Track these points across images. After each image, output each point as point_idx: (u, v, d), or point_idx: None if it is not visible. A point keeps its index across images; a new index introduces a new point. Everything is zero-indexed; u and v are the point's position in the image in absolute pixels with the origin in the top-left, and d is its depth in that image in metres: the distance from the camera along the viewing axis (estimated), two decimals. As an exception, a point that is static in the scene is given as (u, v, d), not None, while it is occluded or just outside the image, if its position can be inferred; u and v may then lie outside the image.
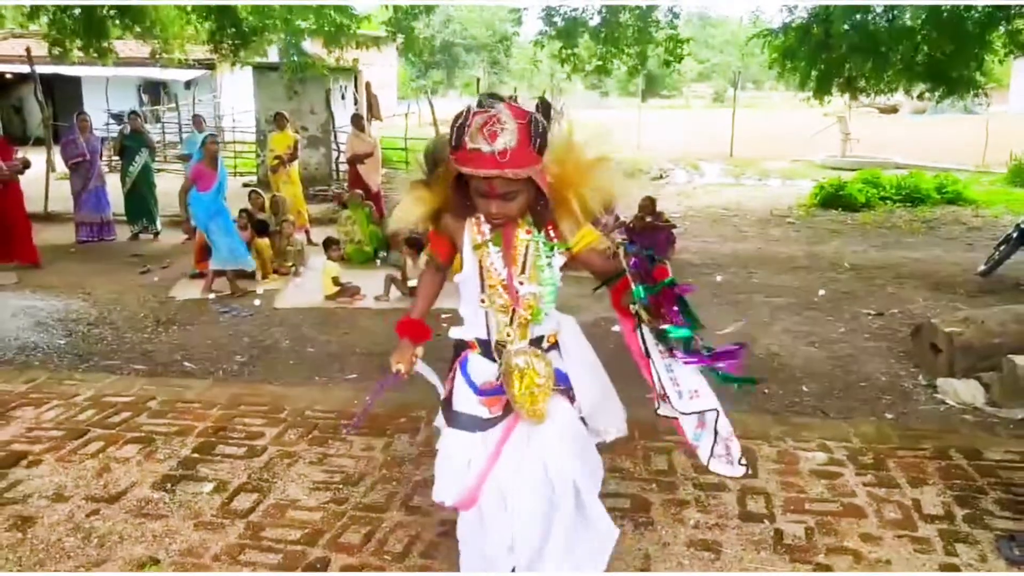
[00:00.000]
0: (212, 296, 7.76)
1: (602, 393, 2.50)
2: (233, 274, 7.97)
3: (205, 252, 8.41)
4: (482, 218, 2.28)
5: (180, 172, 12.00)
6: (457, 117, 2.14)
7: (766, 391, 5.17)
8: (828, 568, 2.58)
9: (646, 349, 2.20)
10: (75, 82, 22.34)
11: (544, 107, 2.19)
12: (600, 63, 13.47)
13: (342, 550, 2.75)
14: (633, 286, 2.12)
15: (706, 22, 64.51)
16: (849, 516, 2.88)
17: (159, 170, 12.60)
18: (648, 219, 9.46)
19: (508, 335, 2.34)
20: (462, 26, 51.54)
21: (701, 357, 2.12)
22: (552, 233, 2.29)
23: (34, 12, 12.28)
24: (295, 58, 13.73)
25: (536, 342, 2.38)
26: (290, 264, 8.81)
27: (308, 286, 8.10)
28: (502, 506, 2.33)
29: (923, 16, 10.41)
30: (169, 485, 3.19)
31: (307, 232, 10.39)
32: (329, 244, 8.11)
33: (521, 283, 2.30)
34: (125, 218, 10.92)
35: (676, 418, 2.27)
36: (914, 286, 8.00)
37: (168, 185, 12.02)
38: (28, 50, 13.02)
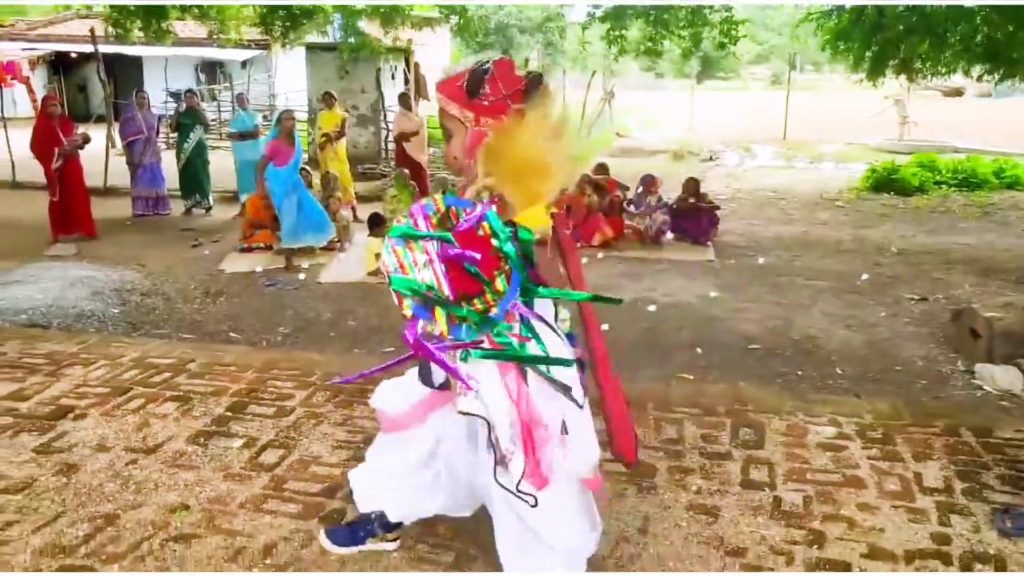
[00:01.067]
0: (259, 269, 7.99)
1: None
2: (291, 251, 8.21)
3: (253, 228, 8.69)
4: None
5: (229, 149, 12.27)
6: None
7: (799, 372, 5.17)
8: (821, 534, 2.62)
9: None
10: (136, 61, 22.93)
11: (533, 80, 2.10)
12: (650, 44, 13.37)
13: (358, 503, 2.88)
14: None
15: (765, 3, 63.18)
16: (849, 487, 2.91)
17: (213, 147, 12.95)
18: (691, 200, 9.44)
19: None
20: (517, 7, 51.32)
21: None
22: (496, 208, 2.02)
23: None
24: (351, 39, 13.93)
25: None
26: (335, 240, 9.02)
27: (352, 262, 8.29)
28: (431, 456, 2.41)
29: (982, -3, 10.12)
30: (202, 440, 3.37)
31: (353, 209, 10.59)
32: (378, 222, 8.26)
33: None
34: (179, 193, 11.26)
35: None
36: (962, 272, 7.86)
37: (221, 162, 12.33)
38: (92, 31, 13.45)
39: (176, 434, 3.41)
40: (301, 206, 8.27)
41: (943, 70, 11.80)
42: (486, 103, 2.08)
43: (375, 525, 2.58)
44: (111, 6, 13.01)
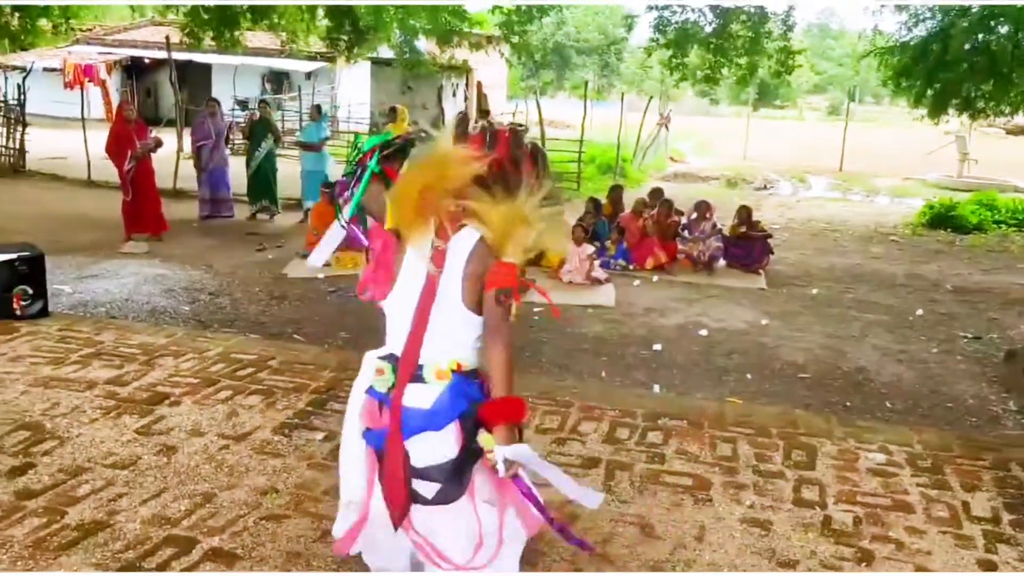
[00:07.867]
0: (321, 276, 8.28)
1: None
2: None
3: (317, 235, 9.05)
4: None
5: (297, 158, 12.63)
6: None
7: (848, 403, 5.25)
8: (870, 553, 2.76)
9: None
10: (206, 69, 23.62)
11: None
12: (708, 72, 13.53)
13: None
14: None
15: (826, 33, 62.69)
16: (898, 510, 3.04)
17: (279, 155, 13.37)
18: (743, 229, 9.51)
19: None
20: (576, 29, 51.76)
21: None
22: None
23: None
24: (407, 56, 14.23)
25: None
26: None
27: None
28: None
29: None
30: (287, 431, 3.63)
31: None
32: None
33: None
34: (246, 198, 11.64)
35: None
36: (1019, 312, 7.82)
37: (288, 169, 12.69)
38: (167, 38, 13.99)
39: (262, 424, 3.67)
40: None
41: (1007, 110, 11.74)
42: None
43: None
44: (186, 14, 13.48)
